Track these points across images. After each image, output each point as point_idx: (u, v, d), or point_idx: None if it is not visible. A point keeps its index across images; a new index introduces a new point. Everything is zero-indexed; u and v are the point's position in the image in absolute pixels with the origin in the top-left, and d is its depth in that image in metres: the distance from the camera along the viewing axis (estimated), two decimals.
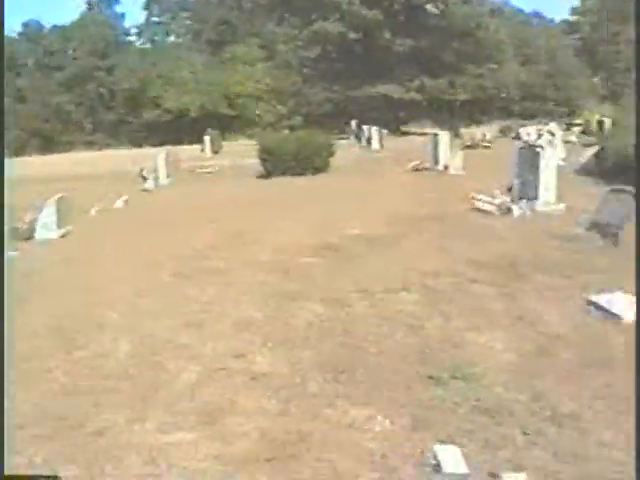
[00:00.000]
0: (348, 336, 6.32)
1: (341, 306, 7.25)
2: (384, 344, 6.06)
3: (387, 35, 45.84)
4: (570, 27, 74.71)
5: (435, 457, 3.89)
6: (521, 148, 14.00)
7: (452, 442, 4.17)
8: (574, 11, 78.89)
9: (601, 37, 64.11)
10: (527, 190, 13.02)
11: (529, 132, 16.26)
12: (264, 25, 59.13)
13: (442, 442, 4.16)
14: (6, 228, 12.31)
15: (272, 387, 5.25)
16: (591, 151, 21.03)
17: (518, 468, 3.91)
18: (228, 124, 51.13)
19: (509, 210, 12.64)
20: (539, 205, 12.72)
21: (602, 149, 19.40)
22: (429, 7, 45.68)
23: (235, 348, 6.13)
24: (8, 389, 5.12)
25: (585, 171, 19.39)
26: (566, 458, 4.07)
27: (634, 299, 6.81)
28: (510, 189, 13.62)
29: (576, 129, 38.59)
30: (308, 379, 5.36)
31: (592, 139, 28.49)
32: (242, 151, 32.07)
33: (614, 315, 6.52)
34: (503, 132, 38.51)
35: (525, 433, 4.36)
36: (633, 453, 4.03)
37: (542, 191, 12.90)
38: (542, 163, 12.96)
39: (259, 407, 4.93)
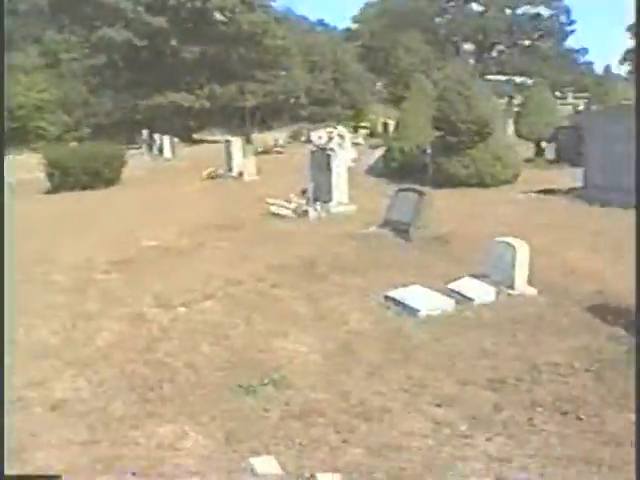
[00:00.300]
0: (152, 352, 6.11)
1: (143, 321, 7.00)
2: (190, 357, 5.92)
3: (174, 42, 45.28)
4: (352, 35, 77.70)
5: (252, 469, 3.83)
6: (313, 151, 14.33)
7: (267, 451, 4.13)
8: (355, 19, 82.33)
9: (381, 44, 67.21)
10: (321, 192, 13.33)
11: (320, 135, 16.69)
12: (43, 32, 56.39)
13: (257, 453, 4.12)
14: None
15: (75, 414, 4.95)
16: (378, 152, 21.96)
17: (334, 468, 3.95)
18: (10, 137, 48.25)
19: (305, 213, 12.88)
20: (333, 206, 13.08)
21: (388, 150, 20.29)
22: (216, 14, 45.65)
23: (32, 377, 5.72)
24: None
25: (374, 171, 20.20)
26: (379, 451, 4.17)
27: (429, 292, 7.16)
28: (305, 192, 13.87)
29: (363, 132, 40.18)
30: (113, 401, 5.12)
31: (378, 141, 29.81)
32: (26, 165, 30.35)
33: (411, 309, 6.80)
34: (294, 137, 39.25)
35: (337, 432, 4.42)
36: (440, 438, 4.21)
37: (335, 193, 13.29)
38: (334, 165, 13.35)
39: (62, 438, 4.61)
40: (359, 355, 5.78)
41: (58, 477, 3.90)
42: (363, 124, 44.07)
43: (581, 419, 4.50)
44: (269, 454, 4.09)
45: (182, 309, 7.31)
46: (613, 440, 4.22)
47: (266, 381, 5.20)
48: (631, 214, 11.10)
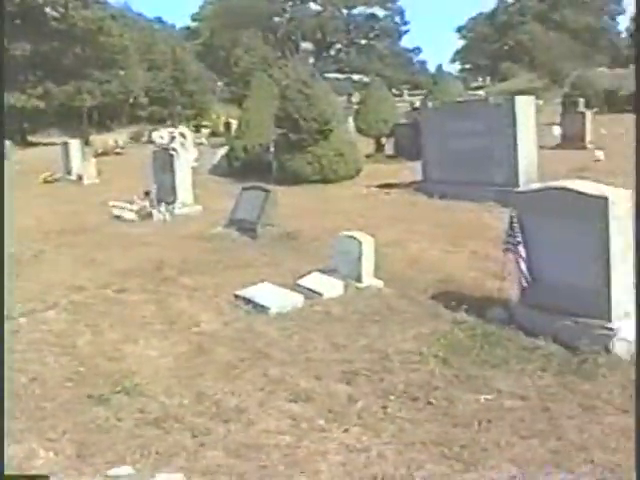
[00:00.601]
0: None
1: None
2: (35, 370, 5.61)
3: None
4: (192, 33, 76.97)
5: None
6: (155, 152, 14.05)
7: (123, 462, 3.99)
8: (194, 17, 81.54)
9: (221, 43, 66.99)
10: (165, 193, 13.10)
11: (162, 136, 16.26)
12: None
13: (113, 464, 3.97)
14: None
15: None
16: (221, 152, 21.86)
17: (190, 473, 3.88)
18: None
19: (149, 215, 12.61)
20: (178, 207, 12.88)
21: (231, 149, 20.25)
22: (48, 10, 43.73)
23: None
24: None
25: (218, 171, 20.11)
26: (238, 452, 4.12)
27: (279, 289, 7.18)
28: (148, 194, 13.57)
29: (205, 131, 39.91)
30: None
31: (221, 140, 29.70)
32: None
33: (262, 307, 6.80)
34: (135, 137, 38.40)
35: (194, 436, 4.33)
36: (298, 433, 4.21)
37: (180, 193, 13.11)
38: (177, 166, 13.17)
39: None
40: (212, 356, 5.71)
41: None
42: (205, 123, 43.81)
43: (432, 404, 4.65)
44: (125, 464, 3.94)
45: (23, 320, 6.92)
46: (462, 422, 4.39)
47: (118, 389, 5.02)
48: (468, 206, 11.68)
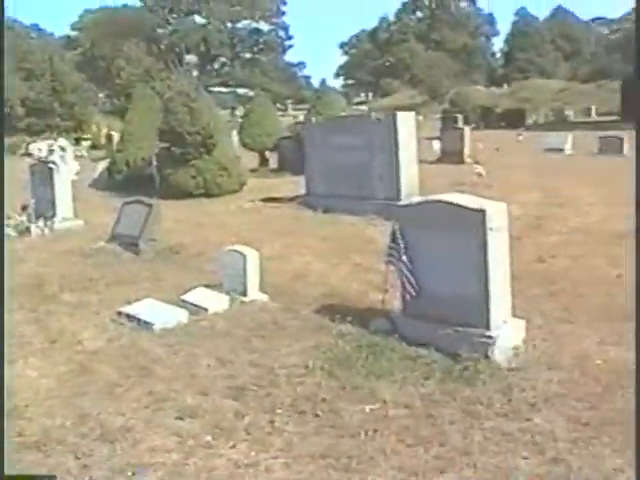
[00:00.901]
0: None
1: None
2: None
3: None
4: (71, 43, 74.93)
5: None
6: (33, 165, 13.63)
7: None
8: (74, 26, 79.45)
9: (102, 54, 65.60)
10: (44, 208, 12.70)
11: (40, 148, 15.87)
12: None
13: None
14: None
15: None
16: (103, 165, 21.41)
17: None
18: None
19: (27, 230, 12.19)
20: (58, 222, 12.52)
21: (113, 163, 19.86)
22: None
23: None
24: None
25: (100, 185, 19.68)
26: (123, 472, 4.07)
27: (163, 305, 7.10)
28: (25, 208, 13.11)
29: (85, 143, 38.96)
30: None
31: (103, 153, 29.08)
32: None
33: (146, 323, 6.71)
34: (11, 150, 37.00)
35: (77, 458, 4.23)
36: (185, 451, 4.19)
37: (59, 208, 12.74)
38: (56, 179, 12.80)
39: None
40: (95, 375, 5.59)
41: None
42: (85, 136, 42.72)
43: (319, 416, 4.72)
44: None
45: None
46: (349, 432, 4.48)
47: None
48: (352, 220, 11.90)
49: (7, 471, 4.05)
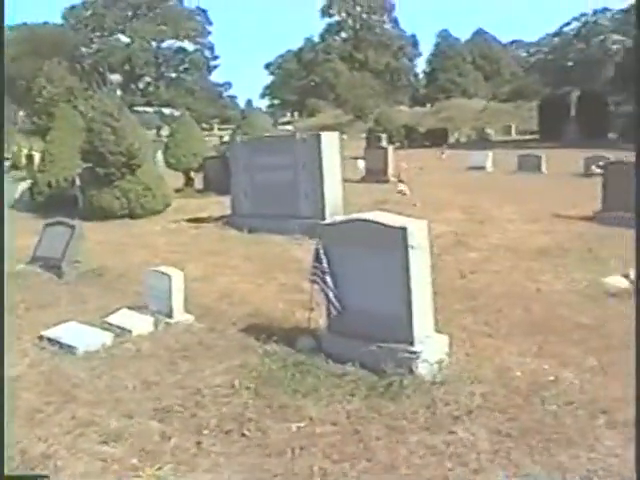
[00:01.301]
0: None
1: None
2: None
3: None
4: None
5: None
6: None
7: None
8: None
9: (21, 72, 64.24)
10: None
11: None
12: None
13: None
14: None
15: None
16: (24, 185, 20.96)
17: None
18: None
19: None
20: None
21: (35, 183, 19.46)
22: None
23: None
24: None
25: (20, 206, 19.24)
26: None
27: (86, 328, 7.00)
28: None
29: (5, 164, 37.97)
30: None
31: (22, 173, 28.44)
32: None
33: (69, 347, 6.60)
34: None
35: None
36: (109, 475, 4.13)
37: None
38: None
39: None
40: (16, 402, 5.46)
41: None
42: (5, 156, 41.62)
43: (245, 435, 4.72)
44: None
45: None
46: (275, 451, 4.50)
47: None
48: (277, 239, 11.94)
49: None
